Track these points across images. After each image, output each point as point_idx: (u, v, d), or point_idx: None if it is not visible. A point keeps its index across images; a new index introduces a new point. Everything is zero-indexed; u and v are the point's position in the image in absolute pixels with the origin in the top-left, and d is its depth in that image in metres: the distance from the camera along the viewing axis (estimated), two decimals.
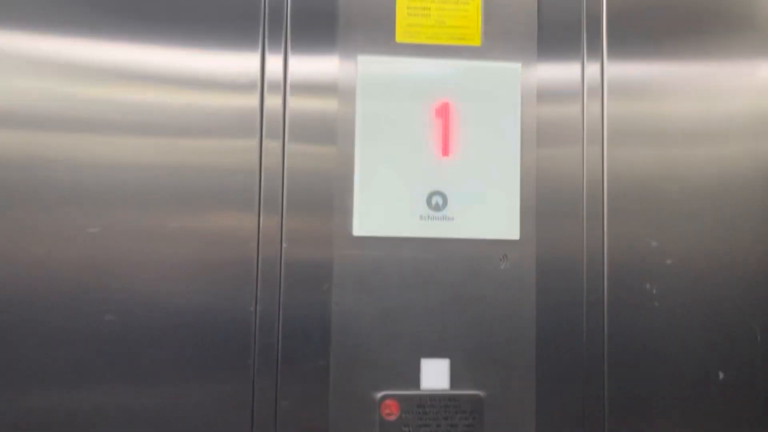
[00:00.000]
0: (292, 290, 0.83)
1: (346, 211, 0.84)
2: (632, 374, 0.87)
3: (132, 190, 0.82)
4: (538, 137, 0.87)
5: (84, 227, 0.81)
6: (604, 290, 0.88)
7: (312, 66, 0.85)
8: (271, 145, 0.84)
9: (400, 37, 0.87)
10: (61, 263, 0.80)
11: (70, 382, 0.79)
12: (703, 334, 0.89)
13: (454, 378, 0.84)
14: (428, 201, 0.85)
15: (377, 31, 0.86)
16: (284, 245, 0.83)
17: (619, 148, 0.89)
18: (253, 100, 0.84)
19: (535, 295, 0.86)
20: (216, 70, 0.84)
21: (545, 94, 0.88)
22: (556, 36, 0.89)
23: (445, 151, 0.86)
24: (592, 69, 0.90)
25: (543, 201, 0.87)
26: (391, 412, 0.82)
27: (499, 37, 0.88)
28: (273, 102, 0.84)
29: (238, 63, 0.84)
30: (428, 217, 0.85)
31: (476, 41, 0.87)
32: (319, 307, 0.83)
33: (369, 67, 0.85)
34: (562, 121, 0.89)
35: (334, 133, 0.85)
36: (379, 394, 0.83)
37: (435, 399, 0.83)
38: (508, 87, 0.87)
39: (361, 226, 0.84)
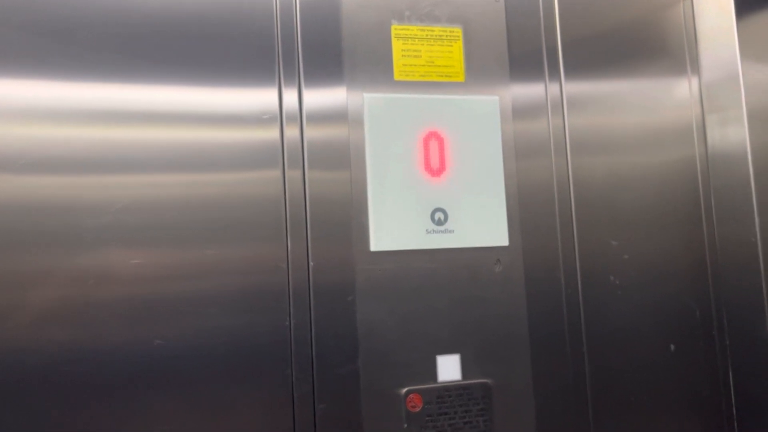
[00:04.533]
0: (321, 304, 0.92)
1: (362, 230, 0.95)
2: (606, 352, 1.03)
3: (169, 224, 0.88)
4: (516, 151, 1.02)
5: (128, 260, 0.86)
6: (578, 284, 1.04)
7: (323, 98, 0.96)
8: (293, 174, 0.93)
9: (398, 75, 0.99)
10: (109, 294, 0.85)
11: (124, 395, 0.85)
12: (656, 315, 1.07)
13: (465, 370, 0.97)
14: (432, 217, 0.97)
15: (377, 70, 0.98)
16: (311, 263, 0.92)
17: (580, 157, 1.06)
18: (274, 133, 0.93)
19: (525, 291, 1.00)
20: (239, 106, 0.92)
21: (518, 113, 1.04)
22: (523, 64, 1.05)
23: (442, 171, 0.99)
24: (553, 88, 1.06)
25: (524, 210, 1.02)
26: (415, 404, 0.93)
27: (479, 73, 1.02)
28: (291, 133, 0.94)
29: (257, 98, 0.93)
30: (433, 230, 0.97)
31: (460, 78, 1.02)
32: (346, 317, 0.93)
33: (373, 102, 0.97)
34: (534, 135, 1.04)
35: (347, 159, 0.95)
36: (404, 390, 0.94)
37: (451, 389, 0.95)
38: (490, 116, 1.02)
39: (377, 242, 0.95)
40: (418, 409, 0.93)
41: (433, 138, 0.99)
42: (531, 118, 1.05)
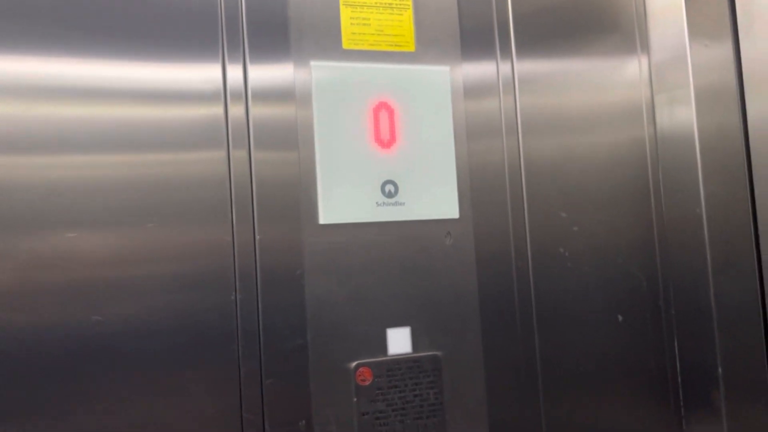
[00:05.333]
0: (268, 278, 0.90)
1: (311, 204, 0.93)
2: (556, 323, 1.04)
3: (106, 205, 0.84)
4: (467, 129, 1.01)
5: (65, 241, 0.82)
6: (528, 256, 1.04)
7: (270, 73, 0.93)
8: (239, 154, 0.90)
9: (346, 44, 0.97)
10: (47, 274, 0.81)
11: (63, 374, 0.81)
12: (605, 287, 1.08)
13: (415, 342, 0.96)
14: (382, 189, 0.96)
15: (325, 39, 0.96)
16: (257, 237, 0.90)
17: (531, 136, 1.06)
18: (217, 111, 0.90)
19: (475, 264, 1.00)
20: (180, 82, 0.89)
21: (470, 91, 1.02)
22: (474, 40, 1.04)
23: (393, 143, 0.97)
24: (505, 68, 1.06)
25: (476, 184, 1.01)
26: (365, 378, 0.92)
27: (429, 44, 1.01)
28: (236, 111, 0.90)
29: (200, 74, 0.89)
30: (383, 203, 0.96)
31: (411, 47, 1.00)
32: (294, 291, 0.91)
33: (321, 72, 0.95)
34: (485, 114, 1.03)
35: (295, 136, 0.93)
36: (353, 363, 0.92)
37: (401, 362, 0.94)
38: (440, 86, 1.00)
39: (325, 215, 0.93)
40: (368, 383, 0.92)
41: (383, 109, 0.97)
42: (482, 97, 1.03)
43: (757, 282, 1.06)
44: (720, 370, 1.04)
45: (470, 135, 1.02)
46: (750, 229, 1.06)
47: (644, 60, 1.14)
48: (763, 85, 1.05)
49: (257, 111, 0.91)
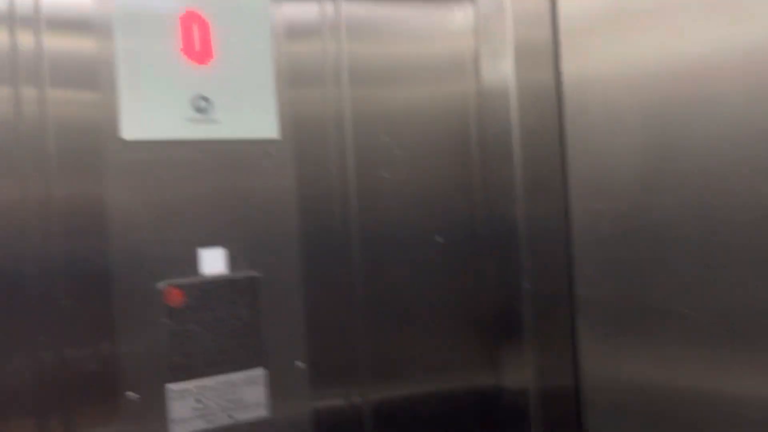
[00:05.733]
0: (64, 197, 0.84)
1: (114, 119, 0.87)
2: (377, 245, 1.06)
3: None
4: (288, 44, 0.99)
5: None
6: (350, 180, 1.04)
7: None
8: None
9: None
10: None
11: None
12: (425, 208, 1.11)
13: (232, 263, 0.94)
14: (193, 104, 0.92)
15: None
16: (54, 151, 0.83)
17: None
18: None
19: (296, 185, 0.99)
20: None
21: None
22: None
23: (207, 57, 0.93)
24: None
25: (297, 105, 0.99)
26: (175, 298, 0.90)
27: None
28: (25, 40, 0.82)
29: None
30: (195, 119, 0.92)
31: None
32: (94, 211, 0.86)
33: None
34: (305, 30, 1.01)
35: (96, 42, 0.86)
36: (162, 284, 0.89)
37: (215, 282, 0.93)
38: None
39: (129, 130, 0.88)
40: (179, 304, 0.90)
41: (193, 20, 0.92)
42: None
43: (563, 205, 1.14)
44: (527, 286, 1.12)
45: (290, 51, 0.99)
46: (558, 161, 1.13)
47: (471, 9, 1.15)
48: (577, 39, 1.09)
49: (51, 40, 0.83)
